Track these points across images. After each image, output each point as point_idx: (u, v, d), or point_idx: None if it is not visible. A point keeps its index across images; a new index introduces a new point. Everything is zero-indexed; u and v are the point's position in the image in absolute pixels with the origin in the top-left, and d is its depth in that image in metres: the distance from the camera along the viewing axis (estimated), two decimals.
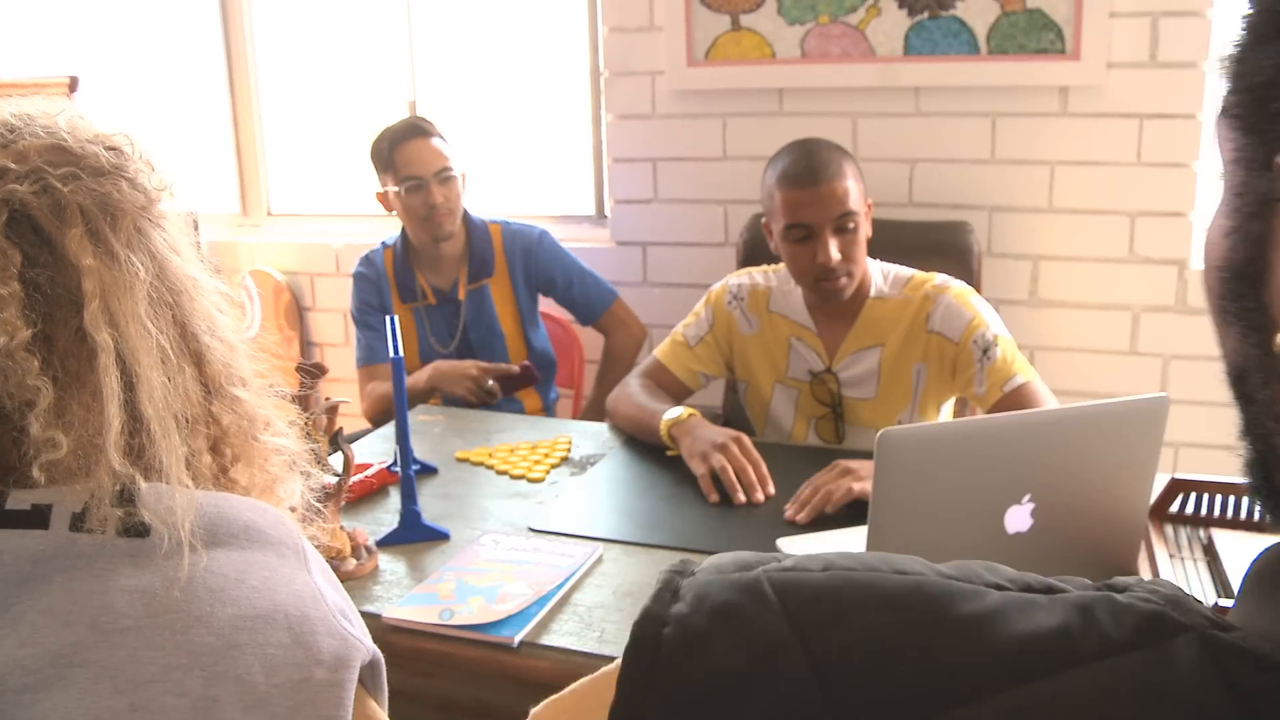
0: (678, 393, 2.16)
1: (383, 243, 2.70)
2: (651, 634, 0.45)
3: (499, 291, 2.67)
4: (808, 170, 1.93)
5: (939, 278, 2.05)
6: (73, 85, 3.14)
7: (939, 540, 1.31)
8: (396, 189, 2.53)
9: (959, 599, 0.42)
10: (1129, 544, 1.42)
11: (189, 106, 3.61)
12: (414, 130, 2.53)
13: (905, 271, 2.08)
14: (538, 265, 2.69)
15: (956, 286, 2.02)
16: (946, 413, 2.12)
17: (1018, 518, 1.33)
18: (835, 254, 1.92)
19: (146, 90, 3.60)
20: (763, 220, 2.06)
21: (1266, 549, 0.42)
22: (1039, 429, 1.34)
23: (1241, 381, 0.47)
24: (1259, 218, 0.43)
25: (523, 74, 3.34)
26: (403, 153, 2.51)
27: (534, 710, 0.55)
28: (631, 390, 2.11)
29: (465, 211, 2.65)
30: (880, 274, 2.08)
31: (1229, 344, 0.48)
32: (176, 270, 0.81)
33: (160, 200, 0.83)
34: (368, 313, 2.68)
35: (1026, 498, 1.32)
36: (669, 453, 1.93)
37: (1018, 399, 1.86)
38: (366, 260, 2.70)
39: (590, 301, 2.74)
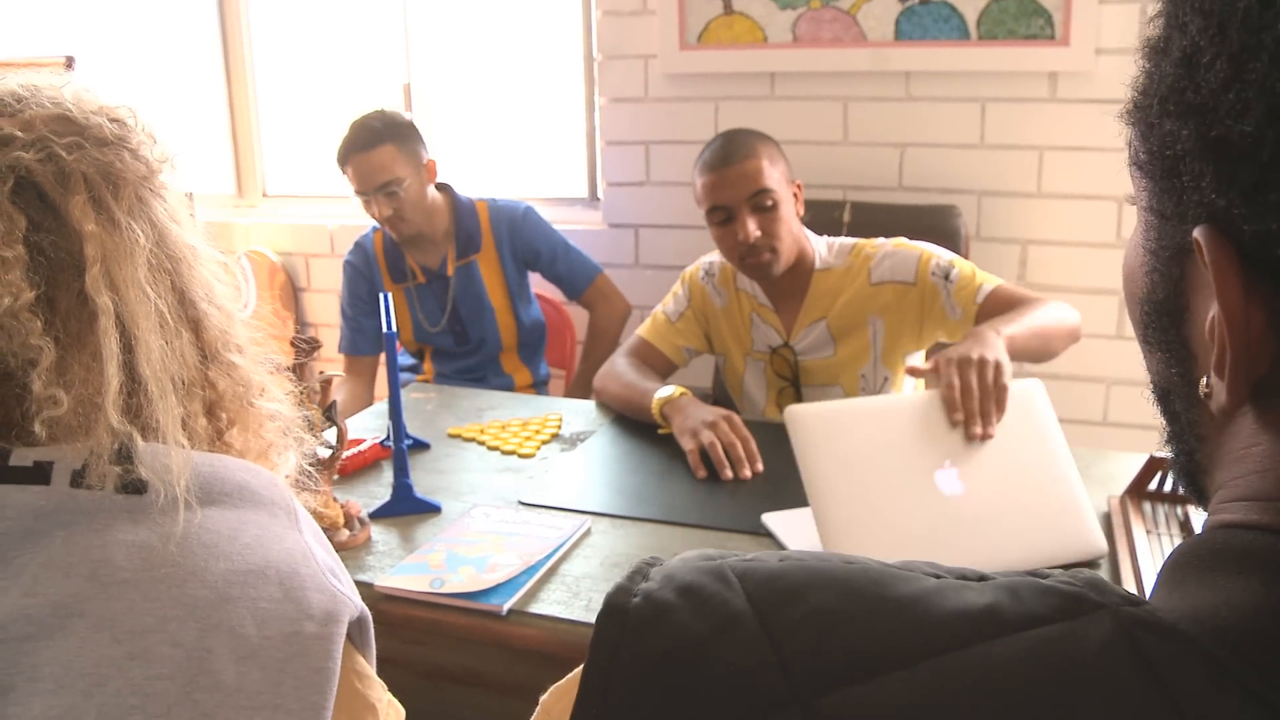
0: (664, 369, 2.19)
1: (373, 226, 2.73)
2: (621, 603, 0.49)
3: (487, 267, 2.70)
4: (720, 155, 2.00)
5: (878, 239, 2.09)
6: (69, 65, 3.15)
7: (880, 501, 1.39)
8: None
9: (899, 581, 0.47)
10: (1076, 516, 1.45)
11: (185, 87, 3.62)
12: (359, 144, 2.52)
13: (849, 241, 2.12)
14: (522, 239, 2.72)
15: (894, 239, 2.07)
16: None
17: (948, 481, 1.42)
18: (754, 230, 1.98)
19: (143, 71, 3.61)
20: None
21: (1179, 545, 0.47)
22: (933, 409, 1.48)
23: (1166, 400, 0.52)
24: (1176, 262, 0.47)
25: (517, 57, 3.36)
26: (349, 167, 2.55)
27: (542, 698, 0.59)
28: (619, 369, 2.13)
29: (452, 191, 2.70)
30: (825, 247, 2.12)
31: (1153, 367, 0.52)
32: (176, 239, 0.84)
33: (161, 171, 0.85)
34: (356, 305, 2.73)
35: (947, 463, 1.42)
36: (660, 431, 1.95)
37: (994, 304, 1.90)
38: (357, 246, 2.74)
39: (574, 275, 2.78)
